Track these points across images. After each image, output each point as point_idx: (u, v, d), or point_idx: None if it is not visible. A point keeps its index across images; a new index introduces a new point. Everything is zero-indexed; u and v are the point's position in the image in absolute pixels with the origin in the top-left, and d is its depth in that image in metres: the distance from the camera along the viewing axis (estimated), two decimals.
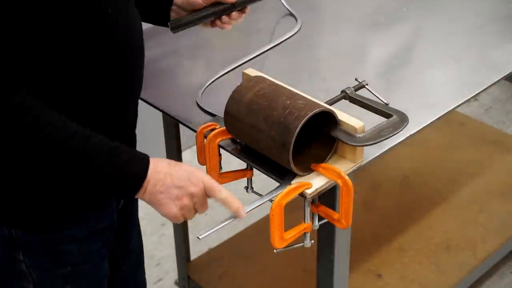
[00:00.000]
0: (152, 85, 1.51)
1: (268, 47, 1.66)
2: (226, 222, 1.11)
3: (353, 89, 1.34)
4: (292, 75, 1.56)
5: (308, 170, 1.20)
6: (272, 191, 1.17)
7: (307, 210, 1.20)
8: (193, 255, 2.19)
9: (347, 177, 1.15)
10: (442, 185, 2.41)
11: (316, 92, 1.33)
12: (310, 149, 1.23)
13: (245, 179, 1.32)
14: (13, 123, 0.99)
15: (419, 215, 2.28)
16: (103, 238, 1.26)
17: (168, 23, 1.39)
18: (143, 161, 1.09)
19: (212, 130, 1.29)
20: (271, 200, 1.14)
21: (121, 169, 1.06)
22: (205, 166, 1.29)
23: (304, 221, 1.21)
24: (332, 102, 1.31)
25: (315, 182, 1.18)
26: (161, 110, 1.45)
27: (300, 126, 1.12)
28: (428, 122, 1.38)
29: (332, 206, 1.24)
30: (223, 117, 1.25)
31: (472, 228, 2.23)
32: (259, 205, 1.15)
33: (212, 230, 1.10)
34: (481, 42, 1.70)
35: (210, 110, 1.40)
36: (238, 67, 1.57)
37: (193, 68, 1.67)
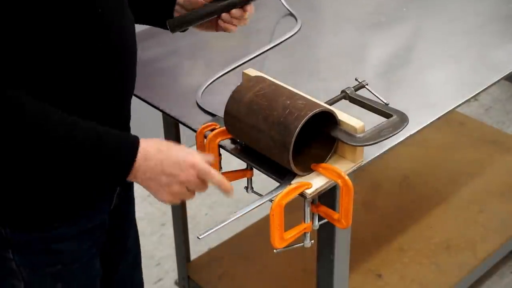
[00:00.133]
0: (152, 85, 1.51)
1: (268, 47, 1.66)
2: (226, 222, 1.11)
3: (353, 89, 1.34)
4: (292, 75, 1.55)
5: (308, 170, 1.20)
6: (272, 191, 1.17)
7: (307, 210, 1.20)
8: (193, 255, 2.19)
9: (347, 177, 1.15)
10: (442, 185, 2.41)
11: (316, 92, 1.33)
12: (310, 149, 1.23)
13: (245, 179, 1.31)
14: None
15: (419, 215, 2.28)
16: (93, 238, 1.25)
17: (167, 22, 1.37)
18: (132, 149, 1.07)
19: (212, 130, 1.29)
20: (271, 200, 1.14)
21: (109, 157, 1.06)
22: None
23: (304, 221, 1.21)
24: (332, 102, 1.31)
25: (315, 182, 1.18)
26: (161, 110, 1.45)
27: (300, 126, 1.12)
28: (428, 122, 1.38)
29: (332, 206, 1.24)
30: (223, 117, 1.25)
31: (472, 228, 2.23)
32: (259, 205, 1.15)
33: (212, 230, 1.10)
34: (481, 42, 1.69)
35: (210, 110, 1.40)
36: (238, 67, 1.57)
37: (193, 68, 1.67)
